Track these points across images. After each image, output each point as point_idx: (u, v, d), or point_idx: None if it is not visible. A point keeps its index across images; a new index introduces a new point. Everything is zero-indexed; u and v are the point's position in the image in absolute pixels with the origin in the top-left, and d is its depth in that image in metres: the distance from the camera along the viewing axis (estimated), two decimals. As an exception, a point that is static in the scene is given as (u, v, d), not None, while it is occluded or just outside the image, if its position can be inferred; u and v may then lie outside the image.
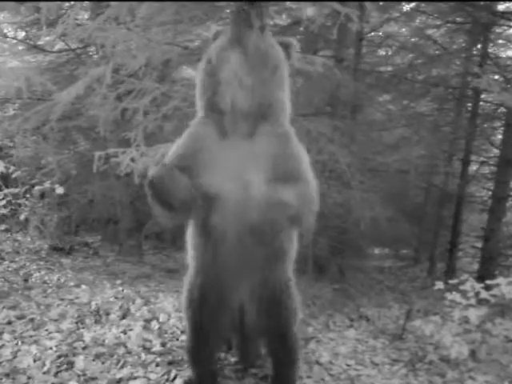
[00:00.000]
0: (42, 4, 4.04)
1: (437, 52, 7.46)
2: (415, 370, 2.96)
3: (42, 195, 5.34)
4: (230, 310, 2.11)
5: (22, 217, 5.17)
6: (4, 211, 5.25)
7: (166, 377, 2.42)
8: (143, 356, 2.65)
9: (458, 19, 7.13)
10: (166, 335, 2.99)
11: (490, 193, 7.69)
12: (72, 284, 4.00)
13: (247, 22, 1.78)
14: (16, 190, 5.26)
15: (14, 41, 6.23)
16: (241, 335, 2.43)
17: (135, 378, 2.39)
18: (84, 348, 2.70)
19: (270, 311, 2.08)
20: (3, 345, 2.65)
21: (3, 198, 5.19)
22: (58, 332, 2.89)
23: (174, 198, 1.77)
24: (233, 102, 1.82)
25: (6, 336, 2.77)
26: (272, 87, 1.85)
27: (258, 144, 1.85)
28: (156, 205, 1.82)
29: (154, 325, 3.14)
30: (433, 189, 8.41)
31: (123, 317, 3.26)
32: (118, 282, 4.24)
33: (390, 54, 7.76)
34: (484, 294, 2.91)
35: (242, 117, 1.83)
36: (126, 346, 2.76)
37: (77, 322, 3.08)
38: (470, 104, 7.79)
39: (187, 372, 2.38)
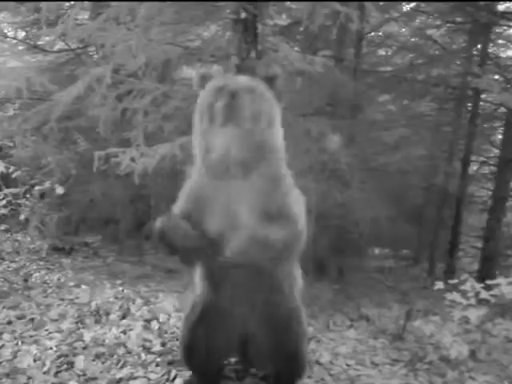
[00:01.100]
0: (42, 4, 4.04)
1: (437, 52, 7.47)
2: (415, 370, 2.96)
3: (42, 195, 5.33)
4: (230, 337, 2.17)
5: (22, 217, 5.16)
6: (4, 211, 5.25)
7: (166, 377, 2.42)
8: (143, 356, 2.65)
9: (458, 19, 7.14)
10: (166, 335, 2.99)
11: (490, 193, 7.69)
12: (72, 284, 4.00)
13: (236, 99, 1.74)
14: (16, 190, 5.26)
15: (14, 41, 6.23)
16: (242, 358, 2.48)
17: (135, 378, 2.40)
18: (84, 348, 2.70)
19: (276, 340, 2.13)
20: (3, 345, 2.66)
21: (3, 198, 5.19)
22: (58, 332, 2.89)
23: (181, 247, 1.85)
24: (223, 160, 1.77)
25: (6, 336, 2.77)
26: (263, 138, 1.82)
27: (250, 186, 1.85)
28: (170, 252, 1.92)
29: (154, 325, 3.14)
30: (433, 189, 8.41)
31: (123, 317, 3.26)
32: (118, 282, 4.23)
33: (389, 53, 7.77)
34: (484, 294, 2.91)
35: (235, 165, 1.80)
36: (126, 346, 2.76)
37: (77, 322, 3.08)
38: (470, 104, 7.79)
39: (187, 372, 2.38)
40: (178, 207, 2.00)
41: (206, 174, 1.90)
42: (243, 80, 1.88)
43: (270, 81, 1.88)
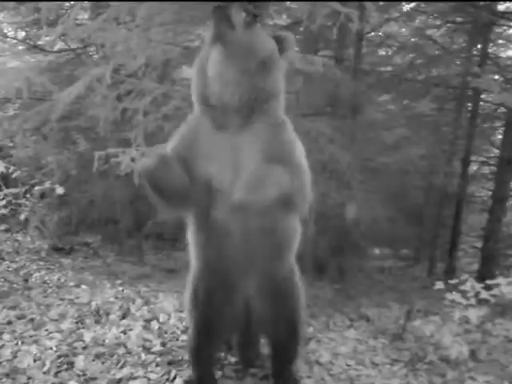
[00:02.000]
0: (41, 4, 4.04)
1: (437, 52, 7.46)
2: (415, 370, 2.96)
3: (42, 195, 5.33)
4: (236, 306, 2.11)
5: (22, 217, 5.16)
6: (4, 211, 5.25)
7: (166, 377, 2.42)
8: (143, 356, 2.65)
9: (458, 19, 7.14)
10: (166, 335, 2.99)
11: (490, 193, 7.69)
12: (72, 284, 4.00)
13: (227, 19, 1.76)
14: (16, 190, 5.25)
15: (14, 41, 6.23)
16: (245, 332, 2.43)
17: (135, 378, 2.40)
18: (84, 348, 2.70)
19: (276, 301, 2.10)
20: (3, 345, 2.66)
21: (3, 198, 5.18)
22: (58, 332, 2.89)
23: (169, 187, 1.78)
24: (220, 97, 1.82)
25: (6, 336, 2.77)
26: (260, 80, 1.83)
27: (252, 134, 1.85)
28: (153, 195, 1.83)
29: (154, 325, 3.14)
30: (433, 189, 8.41)
31: (123, 317, 3.26)
32: (118, 281, 4.23)
33: (389, 53, 7.76)
34: (484, 294, 2.90)
35: (233, 110, 1.83)
36: (126, 346, 2.76)
37: (77, 322, 3.08)
38: (470, 104, 7.79)
39: (187, 372, 2.38)
40: (170, 149, 1.94)
41: (205, 119, 1.89)
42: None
43: (279, 41, 1.90)
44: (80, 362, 2.51)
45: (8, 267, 4.32)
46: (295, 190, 1.81)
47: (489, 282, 2.99)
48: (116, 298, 3.69)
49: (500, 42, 7.81)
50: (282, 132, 1.89)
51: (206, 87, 1.85)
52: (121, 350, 2.70)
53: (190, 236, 2.09)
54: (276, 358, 2.29)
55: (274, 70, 1.88)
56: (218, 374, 2.49)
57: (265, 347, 2.49)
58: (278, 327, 2.17)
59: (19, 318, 3.08)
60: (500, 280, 2.94)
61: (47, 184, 4.99)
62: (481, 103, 7.75)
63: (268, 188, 1.70)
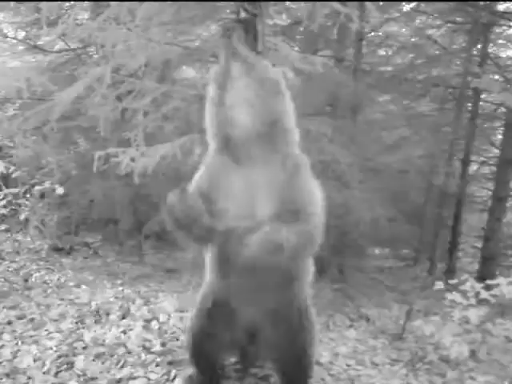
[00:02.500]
0: (42, 4, 4.04)
1: (437, 52, 7.47)
2: (415, 370, 2.96)
3: (42, 195, 5.33)
4: (238, 327, 2.12)
5: (22, 217, 5.16)
6: (4, 211, 5.24)
7: (166, 377, 2.42)
8: (143, 356, 2.65)
9: (458, 19, 7.14)
10: (166, 335, 2.99)
11: (490, 193, 7.69)
12: (72, 284, 4.00)
13: (239, 34, 1.83)
14: (16, 190, 5.25)
15: (14, 41, 6.22)
16: (249, 353, 2.46)
17: (135, 378, 2.40)
18: (84, 348, 2.70)
19: (285, 335, 2.09)
20: (3, 345, 2.66)
21: (3, 198, 5.18)
22: (58, 332, 2.89)
23: (191, 224, 1.79)
24: (241, 124, 1.83)
25: (6, 336, 2.77)
26: (274, 106, 1.86)
27: (268, 173, 1.86)
28: (174, 230, 1.86)
29: (154, 325, 3.14)
30: (433, 189, 8.41)
31: (123, 317, 3.26)
32: (118, 281, 4.24)
33: (390, 53, 7.76)
34: (484, 294, 2.90)
35: (253, 142, 1.84)
36: (126, 346, 2.76)
37: (77, 322, 3.08)
38: (470, 104, 7.79)
39: (188, 371, 2.38)
40: (193, 183, 1.97)
41: (222, 156, 1.90)
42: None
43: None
44: (80, 362, 2.51)
45: (8, 267, 4.32)
46: (302, 244, 1.84)
47: (489, 282, 2.98)
48: (116, 297, 3.69)
49: (500, 41, 7.81)
50: (299, 175, 1.90)
51: (226, 119, 1.85)
52: (121, 350, 2.70)
53: (207, 256, 2.13)
54: None
55: (286, 97, 1.92)
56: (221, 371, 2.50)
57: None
58: (286, 359, 2.17)
59: (19, 318, 3.08)
60: (500, 280, 2.93)
61: (47, 184, 4.99)
62: (481, 103, 7.75)
63: (279, 254, 1.75)
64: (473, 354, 2.88)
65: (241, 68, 1.82)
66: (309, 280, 2.17)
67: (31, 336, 2.80)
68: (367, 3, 4.43)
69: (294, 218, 1.81)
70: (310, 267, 2.16)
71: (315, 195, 1.94)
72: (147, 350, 2.75)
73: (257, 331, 2.16)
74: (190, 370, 2.33)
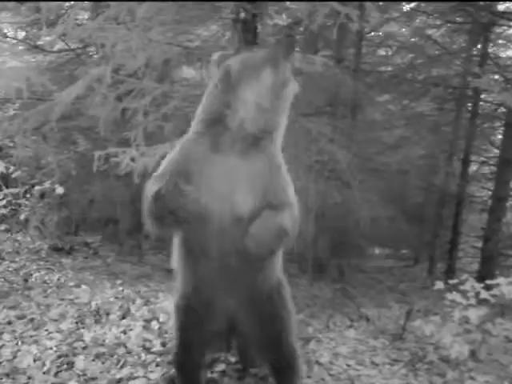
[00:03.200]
0: (42, 4, 4.04)
1: (437, 52, 7.47)
2: (415, 370, 2.96)
3: (42, 195, 5.32)
4: (217, 325, 2.09)
5: (22, 217, 5.16)
6: (4, 211, 5.24)
7: (164, 377, 2.42)
8: (143, 356, 2.65)
9: (458, 19, 7.15)
10: (165, 335, 2.98)
11: (490, 193, 7.70)
12: (72, 284, 4.00)
13: (289, 49, 1.84)
14: (16, 190, 5.25)
15: (14, 41, 6.23)
16: (236, 344, 2.44)
17: (135, 378, 2.40)
18: (84, 348, 2.70)
19: (262, 320, 2.06)
20: (3, 345, 2.65)
21: (3, 198, 5.18)
22: (58, 332, 2.89)
23: (176, 211, 1.73)
24: (242, 122, 1.81)
25: (6, 336, 2.77)
26: (279, 115, 1.88)
27: (250, 166, 1.84)
28: (151, 216, 1.80)
29: (154, 325, 3.14)
30: (433, 189, 8.41)
31: (123, 317, 3.26)
32: (118, 281, 4.24)
33: (390, 53, 7.77)
34: (484, 294, 2.90)
35: (243, 137, 1.83)
36: (126, 346, 2.76)
37: (77, 322, 3.08)
38: (470, 104, 7.80)
39: (169, 373, 2.38)
40: (165, 169, 1.89)
41: (202, 139, 1.86)
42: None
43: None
44: (80, 362, 2.51)
45: (8, 267, 4.32)
46: (294, 232, 1.84)
47: (489, 282, 2.99)
48: (116, 297, 3.69)
49: (500, 42, 7.81)
50: (279, 171, 1.90)
51: (228, 107, 1.82)
52: (121, 350, 2.70)
53: (174, 249, 2.08)
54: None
55: (286, 97, 1.91)
56: (218, 373, 2.50)
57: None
58: (267, 347, 2.13)
59: (19, 317, 3.08)
60: (500, 280, 2.93)
61: (47, 184, 4.99)
62: (481, 103, 7.76)
63: (278, 240, 1.75)
64: (473, 354, 2.88)
65: (271, 72, 1.80)
66: (278, 266, 2.11)
67: (31, 336, 2.80)
68: (367, 3, 4.43)
69: (280, 207, 1.80)
70: (280, 254, 2.10)
71: (291, 185, 1.95)
72: (147, 350, 2.75)
73: (236, 322, 2.11)
74: (172, 372, 2.30)
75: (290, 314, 2.14)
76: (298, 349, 2.22)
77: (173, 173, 1.85)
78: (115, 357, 2.61)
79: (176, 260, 2.07)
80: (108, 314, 3.28)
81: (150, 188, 1.79)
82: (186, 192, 1.73)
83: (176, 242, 2.04)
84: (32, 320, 3.05)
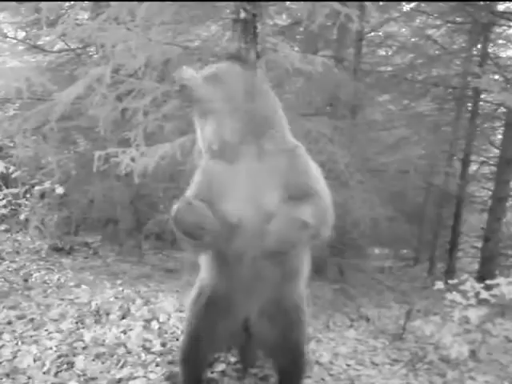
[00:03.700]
0: (42, 4, 4.04)
1: (437, 52, 7.47)
2: (415, 370, 2.96)
3: (42, 195, 5.33)
4: (232, 325, 2.11)
5: (22, 217, 5.17)
6: (4, 211, 5.25)
7: (166, 375, 2.42)
8: (143, 356, 2.65)
9: (458, 19, 7.15)
10: (166, 335, 2.99)
11: (490, 193, 7.70)
12: (72, 284, 4.00)
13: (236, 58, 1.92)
14: (16, 190, 5.26)
15: (14, 41, 6.22)
16: (243, 347, 2.45)
17: (135, 378, 2.40)
18: (84, 348, 2.70)
19: (281, 328, 2.08)
20: (3, 345, 2.65)
21: (3, 198, 5.18)
22: (58, 332, 2.89)
23: (199, 231, 1.76)
24: (221, 141, 1.82)
25: (6, 336, 2.77)
26: (249, 108, 1.85)
27: (266, 164, 1.85)
28: (184, 238, 1.82)
29: (154, 325, 3.14)
30: (433, 189, 8.41)
31: (123, 317, 3.26)
32: (118, 282, 4.23)
33: (390, 53, 7.77)
34: (484, 294, 2.90)
35: (242, 139, 1.83)
36: (126, 346, 2.76)
37: (77, 322, 3.08)
38: (470, 104, 7.80)
39: (174, 372, 2.38)
40: (189, 193, 1.94)
41: (216, 160, 1.89)
42: (205, 71, 1.93)
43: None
44: (80, 362, 2.51)
45: (8, 267, 4.32)
46: (319, 223, 1.79)
47: (489, 282, 2.98)
48: (116, 298, 3.69)
49: (500, 42, 7.82)
50: (296, 159, 1.88)
51: (207, 140, 1.87)
52: (121, 350, 2.70)
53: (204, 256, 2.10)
54: None
55: (261, 98, 1.90)
56: (218, 373, 2.50)
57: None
58: (280, 352, 2.16)
59: (19, 318, 3.08)
60: (500, 280, 2.93)
61: (47, 184, 4.99)
62: (481, 103, 7.75)
63: (298, 234, 1.69)
64: (473, 354, 2.88)
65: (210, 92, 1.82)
66: (306, 277, 2.14)
67: (31, 336, 2.80)
68: (367, 3, 4.43)
69: (303, 200, 1.78)
70: (308, 263, 2.14)
71: (314, 174, 1.92)
72: (147, 350, 2.75)
73: (252, 325, 2.13)
74: (176, 372, 2.30)
75: (306, 327, 2.19)
76: (308, 358, 2.29)
77: (193, 194, 1.91)
78: (115, 357, 2.61)
79: (204, 259, 2.09)
80: (108, 314, 3.28)
81: (172, 210, 1.81)
82: (197, 209, 1.75)
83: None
84: (32, 320, 3.05)
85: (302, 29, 5.82)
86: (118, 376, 2.40)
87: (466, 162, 7.64)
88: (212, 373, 2.50)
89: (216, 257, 2.00)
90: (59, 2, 5.26)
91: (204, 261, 2.10)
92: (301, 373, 2.23)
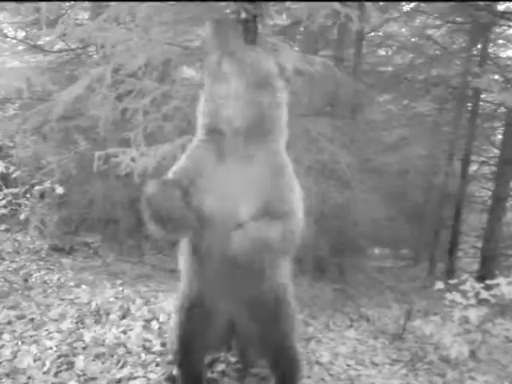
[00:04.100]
0: (42, 4, 4.04)
1: (437, 52, 7.48)
2: (415, 370, 2.96)
3: (42, 195, 5.32)
4: (218, 324, 2.10)
5: (22, 217, 5.16)
6: (4, 211, 5.24)
7: (165, 377, 2.42)
8: (143, 356, 2.65)
9: (458, 19, 7.15)
10: (166, 335, 2.98)
11: (490, 193, 7.70)
12: (72, 284, 4.00)
13: (228, 31, 1.82)
14: (16, 190, 5.25)
15: (14, 41, 6.23)
16: (241, 348, 2.45)
17: (135, 378, 2.40)
18: (84, 348, 2.70)
19: (264, 323, 2.06)
20: (3, 345, 2.65)
21: (3, 198, 5.18)
22: (58, 332, 2.89)
23: (169, 216, 1.76)
24: (229, 119, 1.81)
25: (6, 336, 2.76)
26: (266, 102, 1.82)
27: (253, 170, 1.84)
28: (150, 221, 1.81)
29: (154, 325, 3.14)
30: (433, 189, 8.42)
31: (123, 317, 3.26)
32: (118, 281, 4.23)
33: (390, 53, 7.78)
34: (484, 294, 2.90)
35: (240, 136, 1.82)
36: (126, 346, 2.76)
37: (77, 322, 3.08)
38: (470, 104, 7.80)
39: (172, 372, 2.38)
40: (173, 172, 1.94)
41: (207, 145, 1.88)
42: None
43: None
44: (80, 362, 2.51)
45: (8, 267, 4.32)
46: (285, 244, 1.82)
47: (489, 282, 2.99)
48: (116, 298, 3.69)
49: (500, 41, 7.82)
50: (282, 177, 1.87)
51: (216, 113, 1.84)
52: (121, 350, 2.70)
53: (180, 251, 2.10)
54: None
55: (278, 94, 1.87)
56: (218, 373, 2.50)
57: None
58: (268, 348, 2.15)
59: (19, 318, 3.08)
60: (500, 280, 2.94)
61: (47, 184, 4.99)
62: (481, 103, 7.76)
63: (259, 253, 1.73)
64: (473, 354, 2.88)
65: (231, 61, 1.79)
66: (286, 270, 2.12)
67: (31, 336, 2.80)
68: (367, 3, 4.43)
69: (277, 217, 1.79)
70: (287, 258, 2.11)
71: (297, 195, 1.91)
72: (147, 350, 2.75)
73: (236, 324, 2.13)
74: (174, 371, 2.31)
75: (292, 320, 2.15)
76: (298, 352, 2.23)
77: (174, 178, 1.89)
78: (115, 357, 2.61)
79: (182, 261, 2.09)
80: (108, 314, 3.27)
81: (145, 191, 1.80)
82: (172, 196, 1.75)
83: (182, 244, 2.05)
84: (32, 320, 3.05)
85: (302, 29, 5.83)
86: (117, 376, 2.40)
87: (465, 162, 7.64)
88: (212, 373, 2.51)
89: (188, 252, 1.99)
90: (59, 2, 5.26)
91: (182, 265, 2.09)
92: (293, 368, 2.19)
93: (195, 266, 1.99)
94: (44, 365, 2.45)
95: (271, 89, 1.85)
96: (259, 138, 1.85)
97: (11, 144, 5.68)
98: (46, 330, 2.90)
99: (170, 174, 1.95)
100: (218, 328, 2.12)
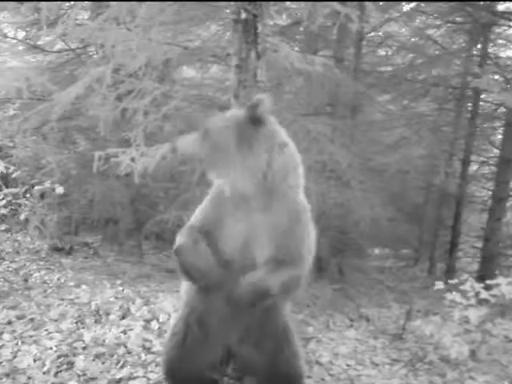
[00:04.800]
0: (42, 4, 4.04)
1: (437, 52, 7.48)
2: (415, 370, 2.96)
3: (42, 195, 5.33)
4: (212, 351, 2.12)
5: (22, 217, 5.16)
6: (4, 211, 5.25)
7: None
8: (143, 356, 2.65)
9: (458, 19, 7.15)
10: (166, 335, 2.98)
11: (490, 193, 7.70)
12: (72, 284, 3.99)
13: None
14: (16, 190, 5.26)
15: (14, 41, 6.23)
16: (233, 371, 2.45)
17: (135, 378, 2.39)
18: (84, 348, 2.69)
19: (269, 353, 2.08)
20: (3, 345, 2.65)
21: (3, 198, 5.18)
22: (58, 332, 2.89)
23: (198, 271, 1.83)
24: (234, 189, 1.87)
25: (6, 336, 2.76)
26: (264, 164, 1.83)
27: (271, 218, 1.87)
28: (182, 271, 1.87)
29: (154, 325, 3.14)
30: (433, 189, 8.42)
31: (123, 317, 3.26)
32: (118, 282, 4.23)
33: (390, 53, 7.77)
34: (484, 294, 2.90)
35: (251, 196, 1.86)
36: (126, 346, 2.76)
37: (77, 322, 3.08)
38: (470, 104, 7.80)
39: None
40: (196, 221, 1.99)
41: (227, 200, 1.92)
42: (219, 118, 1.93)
43: (255, 107, 1.82)
44: (80, 362, 2.51)
45: (8, 267, 4.32)
46: (289, 290, 1.89)
47: (489, 282, 2.99)
48: (116, 298, 3.69)
49: (500, 41, 7.82)
50: (298, 224, 1.89)
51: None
52: (121, 350, 2.70)
53: (184, 285, 2.14)
54: None
55: (259, 145, 1.84)
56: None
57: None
58: (271, 375, 2.13)
59: (19, 318, 3.07)
60: (500, 280, 2.94)
61: (47, 184, 4.99)
62: (481, 103, 7.76)
63: (260, 300, 1.79)
64: (473, 354, 2.88)
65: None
66: (285, 308, 2.15)
67: (31, 336, 2.80)
68: (367, 3, 4.43)
69: (286, 262, 1.84)
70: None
71: (310, 240, 1.95)
72: (147, 350, 2.75)
73: (235, 352, 2.16)
74: None
75: (296, 344, 2.17)
76: (303, 376, 2.22)
77: (199, 225, 1.95)
78: (115, 357, 2.61)
79: (185, 288, 2.13)
80: (108, 314, 3.27)
81: (177, 241, 1.87)
82: (201, 252, 1.83)
83: None
84: (32, 320, 3.05)
85: (302, 29, 5.83)
86: (117, 376, 2.40)
87: (466, 162, 7.64)
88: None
89: (201, 288, 2.01)
90: (59, 2, 5.26)
91: (187, 289, 2.12)
92: None
93: (200, 296, 2.03)
94: (44, 365, 2.45)
95: (255, 146, 1.83)
96: (273, 192, 1.86)
97: (11, 144, 5.68)
98: (46, 330, 2.90)
99: (193, 219, 2.00)
100: (213, 354, 2.13)
